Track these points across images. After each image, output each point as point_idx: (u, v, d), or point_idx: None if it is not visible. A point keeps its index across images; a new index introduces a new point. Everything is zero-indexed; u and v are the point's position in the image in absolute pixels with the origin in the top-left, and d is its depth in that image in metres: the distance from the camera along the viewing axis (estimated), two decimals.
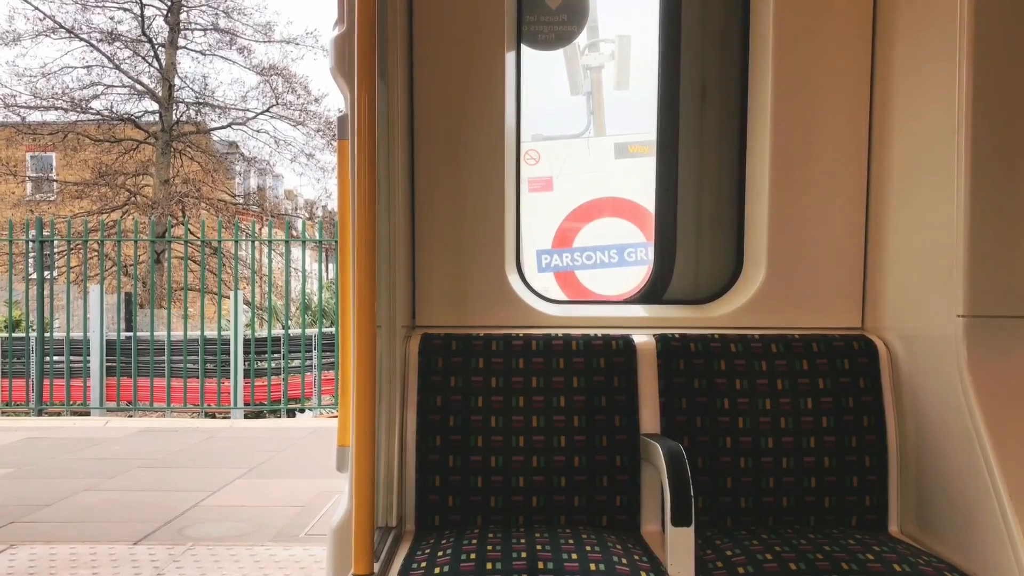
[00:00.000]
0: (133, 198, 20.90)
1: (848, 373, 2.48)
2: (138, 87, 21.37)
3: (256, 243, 10.50)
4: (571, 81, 7.72)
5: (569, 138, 7.65)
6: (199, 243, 11.19)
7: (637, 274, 6.47)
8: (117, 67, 21.25)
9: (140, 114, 21.50)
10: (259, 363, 9.69)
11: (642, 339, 2.56)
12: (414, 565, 2.02)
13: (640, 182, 6.63)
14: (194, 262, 16.56)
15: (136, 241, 9.95)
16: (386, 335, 2.37)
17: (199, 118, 21.88)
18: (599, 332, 2.57)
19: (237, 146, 22.65)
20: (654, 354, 2.52)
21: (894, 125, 2.51)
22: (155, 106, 21.48)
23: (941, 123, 2.21)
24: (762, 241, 2.68)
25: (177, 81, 21.53)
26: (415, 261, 2.71)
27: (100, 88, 21.40)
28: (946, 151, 2.18)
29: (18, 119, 21.46)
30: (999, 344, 2.13)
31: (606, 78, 7.65)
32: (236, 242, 16.16)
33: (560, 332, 2.57)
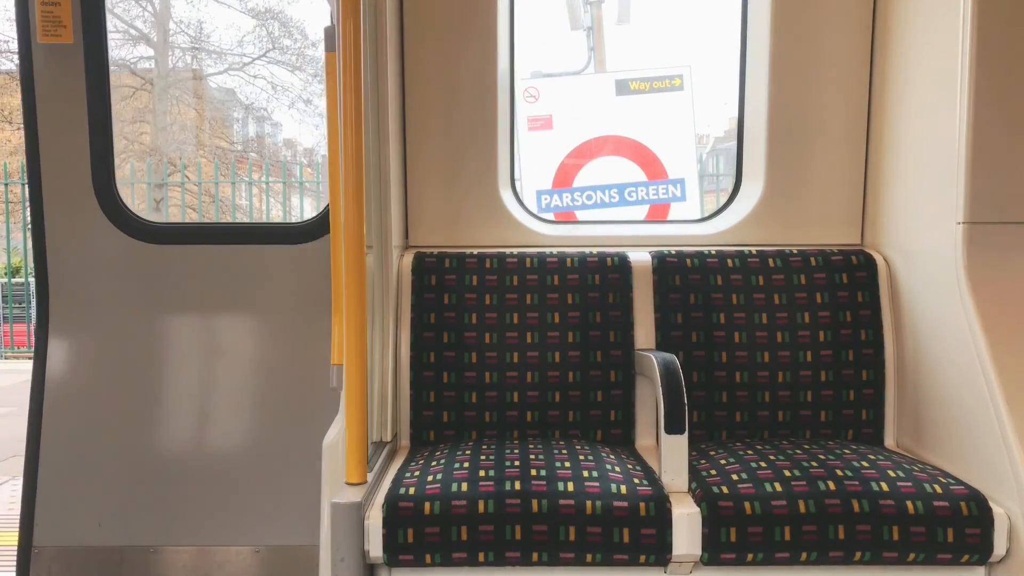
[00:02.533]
0: (131, 146, 20.67)
1: (846, 287, 2.46)
2: (132, 32, 20.96)
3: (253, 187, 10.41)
4: (571, 16, 7.55)
5: (569, 75, 7.50)
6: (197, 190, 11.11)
7: (638, 214, 6.41)
8: (110, 11, 20.82)
9: (135, 60, 21.12)
10: None
11: (637, 256, 2.53)
12: (407, 474, 2.02)
13: (642, 120, 6.51)
14: (192, 210, 16.46)
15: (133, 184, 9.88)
16: (377, 254, 2.34)
17: (195, 64, 21.51)
18: (594, 250, 2.55)
19: (235, 92, 22.29)
20: (650, 270, 2.50)
21: (897, 31, 2.44)
22: (150, 52, 21.10)
23: (945, 28, 2.15)
24: (760, 155, 2.63)
25: (172, 26, 21.12)
26: (407, 181, 2.68)
27: None
28: (950, 57, 2.12)
29: (12, 65, 21.10)
30: (999, 251, 2.09)
31: (607, 12, 7.48)
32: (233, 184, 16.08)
33: (555, 250, 2.55)
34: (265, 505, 2.76)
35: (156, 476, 2.76)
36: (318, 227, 2.73)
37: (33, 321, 9.63)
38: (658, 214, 6.37)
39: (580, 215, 6.44)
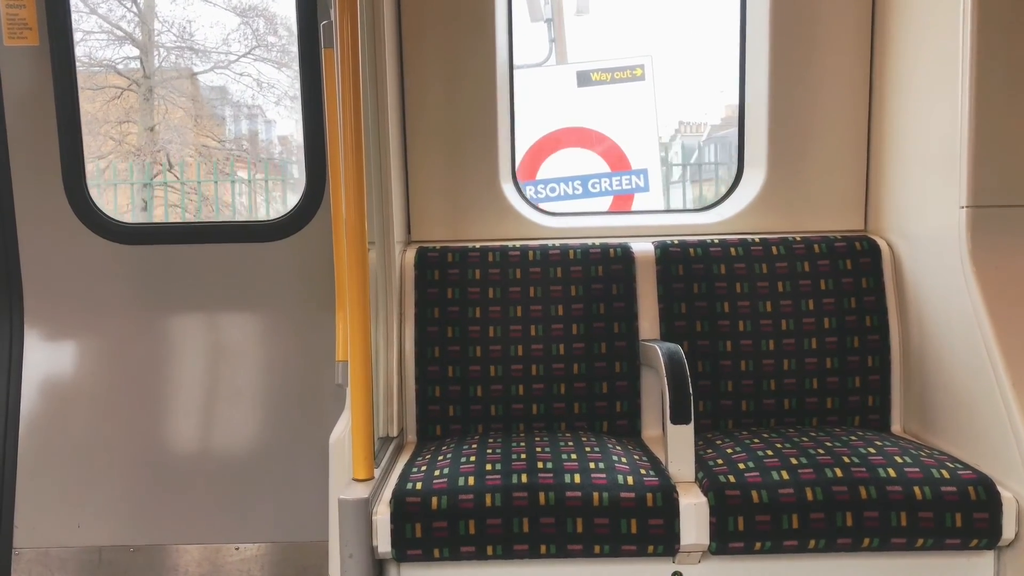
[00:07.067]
0: (118, 147, 20.57)
1: (850, 273, 2.45)
2: (117, 32, 20.82)
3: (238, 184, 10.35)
4: (530, 7, 7.46)
5: (530, 67, 7.40)
6: (187, 190, 11.06)
7: (602, 205, 6.36)
8: (93, 11, 20.69)
9: (120, 60, 20.98)
10: None
11: (640, 246, 2.53)
12: (414, 469, 2.02)
13: (604, 111, 6.44)
14: (181, 208, 16.42)
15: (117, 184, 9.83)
16: (380, 250, 2.34)
17: (181, 63, 21.34)
18: (597, 241, 2.54)
19: (226, 90, 22.12)
20: (652, 261, 2.49)
21: (898, 15, 2.43)
22: (135, 52, 20.92)
23: (946, 11, 2.14)
24: (762, 142, 2.62)
25: (157, 25, 20.96)
26: (408, 176, 2.67)
27: (79, 34, 20.87)
28: (951, 40, 2.11)
29: None
30: (1002, 235, 2.09)
31: (567, 3, 7.39)
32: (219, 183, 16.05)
33: (557, 243, 2.54)
34: (251, 503, 2.78)
35: (136, 476, 2.78)
36: (291, 223, 2.75)
37: None
38: (622, 205, 6.35)
39: (544, 208, 6.37)
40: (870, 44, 2.56)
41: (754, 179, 2.69)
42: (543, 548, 1.87)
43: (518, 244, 2.55)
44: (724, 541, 1.87)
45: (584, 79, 6.49)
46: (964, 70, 2.07)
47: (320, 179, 2.70)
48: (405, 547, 1.86)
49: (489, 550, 1.86)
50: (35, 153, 2.70)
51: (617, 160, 6.36)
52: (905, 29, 2.39)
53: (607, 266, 2.48)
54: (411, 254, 2.52)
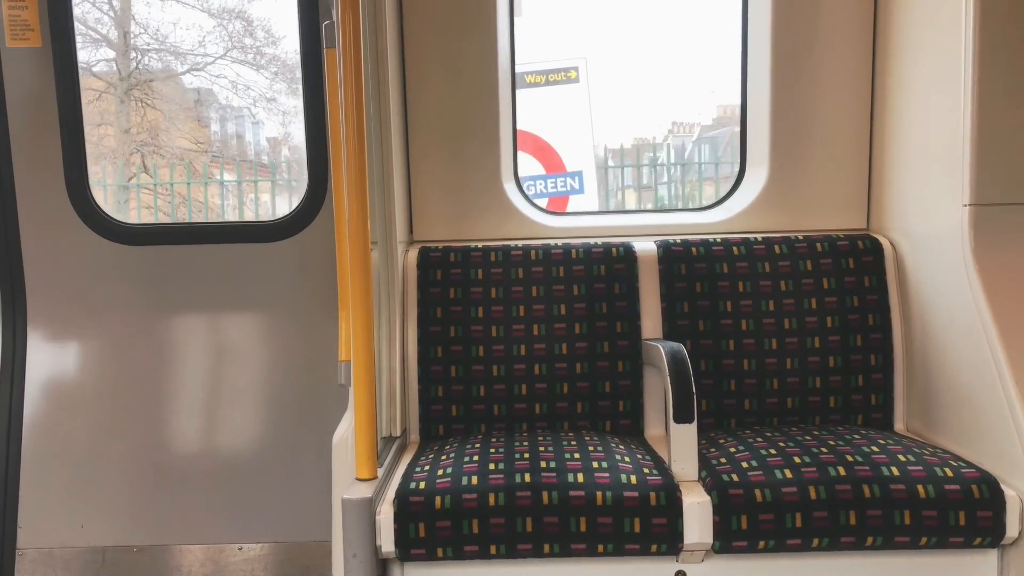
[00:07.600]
0: (95, 148, 20.51)
1: (853, 272, 2.45)
2: (93, 35, 20.70)
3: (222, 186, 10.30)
4: None
5: None
6: (161, 191, 11.02)
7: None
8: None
9: (96, 63, 20.86)
10: None
11: (643, 246, 2.53)
12: (417, 468, 2.02)
13: (539, 114, 6.38)
14: (161, 212, 16.39)
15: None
16: (382, 250, 2.34)
17: (158, 64, 21.21)
18: (599, 241, 2.55)
19: (203, 92, 21.96)
20: (655, 260, 2.49)
21: (899, 14, 2.43)
22: (111, 54, 20.77)
23: (948, 9, 2.14)
24: (764, 141, 2.62)
25: (133, 28, 20.83)
26: (410, 176, 2.68)
27: None
28: (953, 38, 2.11)
29: None
30: (1005, 233, 2.09)
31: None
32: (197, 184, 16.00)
33: (560, 242, 2.55)
34: (254, 503, 2.79)
35: (140, 476, 2.79)
36: (294, 223, 2.75)
37: None
38: (556, 207, 6.32)
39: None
40: (872, 42, 2.56)
41: (756, 178, 2.69)
42: (546, 547, 1.87)
43: (520, 244, 2.55)
44: (727, 540, 1.87)
45: (518, 81, 6.45)
46: (966, 68, 2.06)
47: (322, 179, 2.71)
48: (408, 547, 1.86)
49: (492, 549, 1.87)
50: (37, 154, 2.71)
51: (552, 162, 6.35)
52: (907, 26, 2.39)
53: (609, 265, 2.48)
54: (413, 254, 2.53)
